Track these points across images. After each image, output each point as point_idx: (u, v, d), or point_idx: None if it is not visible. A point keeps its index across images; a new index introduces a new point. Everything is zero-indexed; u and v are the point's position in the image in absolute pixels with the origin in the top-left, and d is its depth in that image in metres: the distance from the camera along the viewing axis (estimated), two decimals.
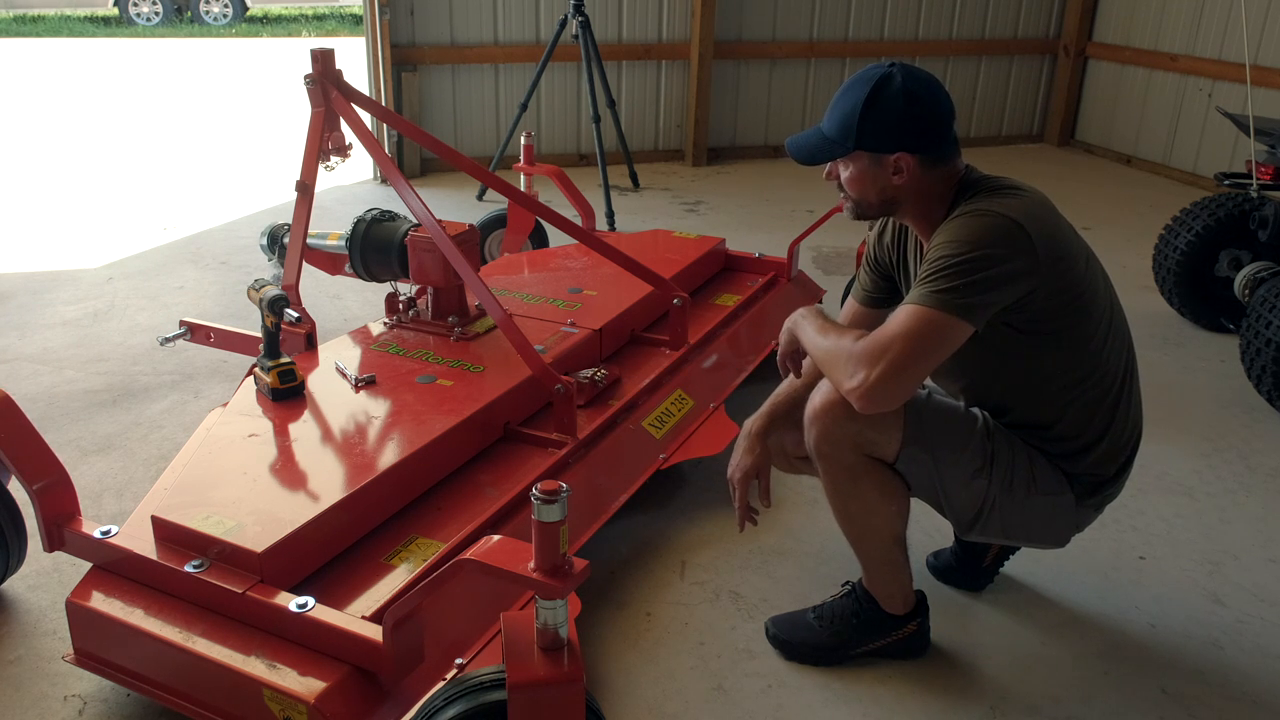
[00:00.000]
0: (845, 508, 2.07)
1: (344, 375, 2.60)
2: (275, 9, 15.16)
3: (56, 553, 2.10)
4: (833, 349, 1.88)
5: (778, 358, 2.15)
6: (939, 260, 1.81)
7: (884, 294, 2.24)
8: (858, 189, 1.96)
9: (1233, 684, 2.18)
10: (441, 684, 1.75)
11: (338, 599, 1.94)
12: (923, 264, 1.86)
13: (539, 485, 1.51)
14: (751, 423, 2.20)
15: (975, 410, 2.06)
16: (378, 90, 6.08)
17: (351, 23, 14.59)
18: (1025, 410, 2.01)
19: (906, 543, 2.12)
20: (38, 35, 13.31)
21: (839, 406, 1.92)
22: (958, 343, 1.81)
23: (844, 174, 1.97)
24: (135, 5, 14.31)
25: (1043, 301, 1.86)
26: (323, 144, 2.92)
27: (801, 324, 2.01)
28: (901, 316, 1.81)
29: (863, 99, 1.88)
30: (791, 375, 2.14)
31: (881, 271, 2.23)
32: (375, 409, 2.44)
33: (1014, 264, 1.80)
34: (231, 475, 2.13)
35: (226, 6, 14.66)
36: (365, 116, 3.00)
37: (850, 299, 2.32)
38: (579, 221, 3.90)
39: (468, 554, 1.61)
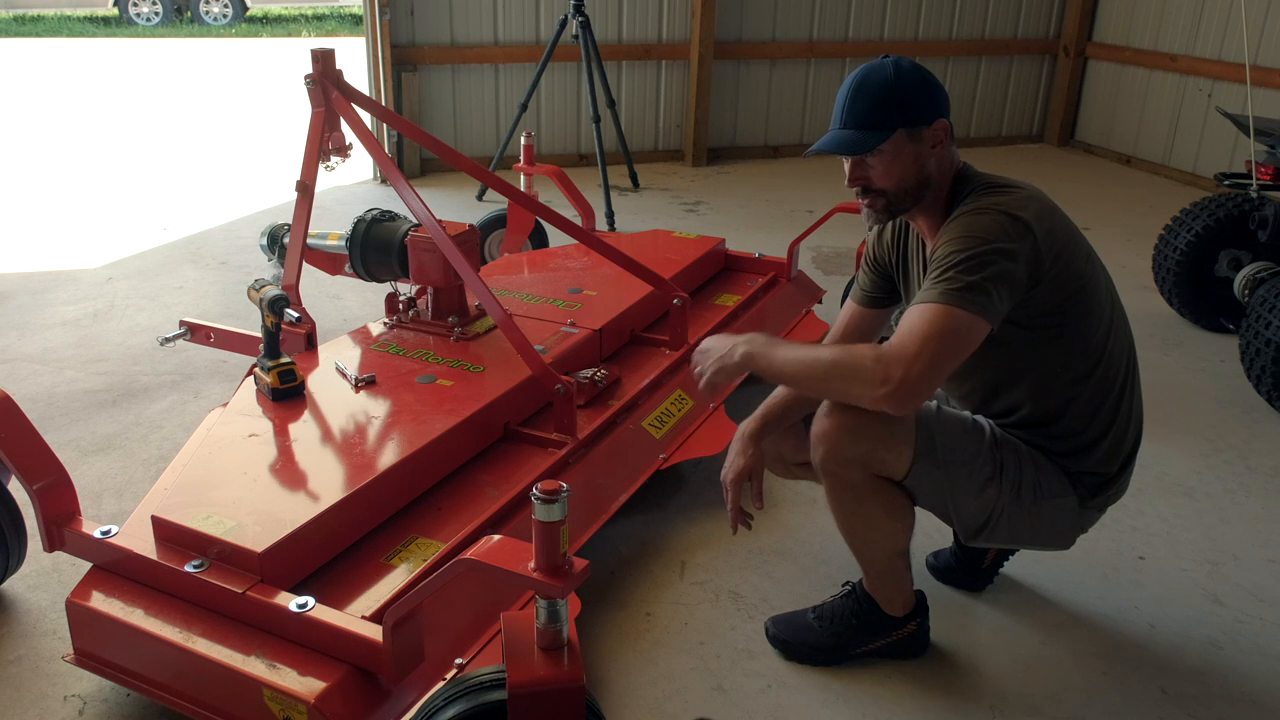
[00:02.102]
0: (849, 524, 2.07)
1: (344, 375, 2.60)
2: (275, 9, 15.16)
3: (56, 553, 2.10)
4: (842, 360, 1.83)
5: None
6: (949, 257, 1.81)
7: (883, 294, 2.23)
8: (897, 176, 1.91)
9: (1232, 684, 2.18)
10: (441, 684, 1.75)
11: (338, 599, 1.93)
12: (931, 263, 1.86)
13: (539, 485, 1.51)
14: (745, 425, 2.18)
15: (981, 420, 2.06)
16: (378, 90, 6.08)
17: (351, 23, 14.59)
18: (1031, 407, 2.01)
19: (909, 553, 2.12)
20: (37, 35, 13.31)
21: (849, 427, 1.90)
22: (981, 338, 1.80)
23: (877, 168, 1.92)
24: (135, 5, 14.31)
25: (1046, 296, 1.86)
26: (323, 144, 2.92)
27: (765, 354, 1.91)
28: (925, 315, 1.77)
29: (889, 81, 1.88)
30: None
31: (881, 271, 2.23)
32: (375, 409, 2.44)
33: (1020, 259, 1.80)
34: (231, 475, 2.13)
35: (226, 6, 14.66)
36: (365, 116, 3.00)
37: (849, 300, 2.32)
38: (579, 221, 3.91)
39: (468, 554, 1.61)
